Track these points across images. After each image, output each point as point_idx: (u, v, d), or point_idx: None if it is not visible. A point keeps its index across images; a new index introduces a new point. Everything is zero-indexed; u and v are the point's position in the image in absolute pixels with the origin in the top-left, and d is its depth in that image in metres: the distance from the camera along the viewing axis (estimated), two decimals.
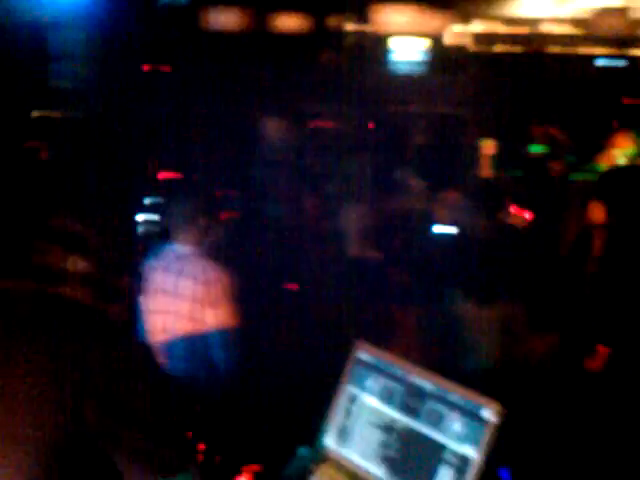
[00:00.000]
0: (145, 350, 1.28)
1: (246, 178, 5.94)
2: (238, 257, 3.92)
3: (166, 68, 11.36)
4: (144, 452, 1.12)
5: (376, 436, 1.73)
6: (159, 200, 5.62)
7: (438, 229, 4.61)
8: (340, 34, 13.07)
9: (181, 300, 3.19)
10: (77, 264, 1.25)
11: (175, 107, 8.92)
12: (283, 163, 6.36)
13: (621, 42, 13.06)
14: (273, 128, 7.78)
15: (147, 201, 5.78)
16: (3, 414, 1.06)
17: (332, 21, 13.06)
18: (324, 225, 4.78)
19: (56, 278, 1.22)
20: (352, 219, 4.64)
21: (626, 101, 8.33)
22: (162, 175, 6.55)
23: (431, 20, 12.10)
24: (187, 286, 3.19)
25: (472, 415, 1.59)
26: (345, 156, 5.74)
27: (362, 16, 12.78)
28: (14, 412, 1.06)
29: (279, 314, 3.65)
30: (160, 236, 3.80)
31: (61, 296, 1.21)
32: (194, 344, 3.17)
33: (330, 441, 1.80)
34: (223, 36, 11.78)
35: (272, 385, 2.92)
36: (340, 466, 1.75)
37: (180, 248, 3.30)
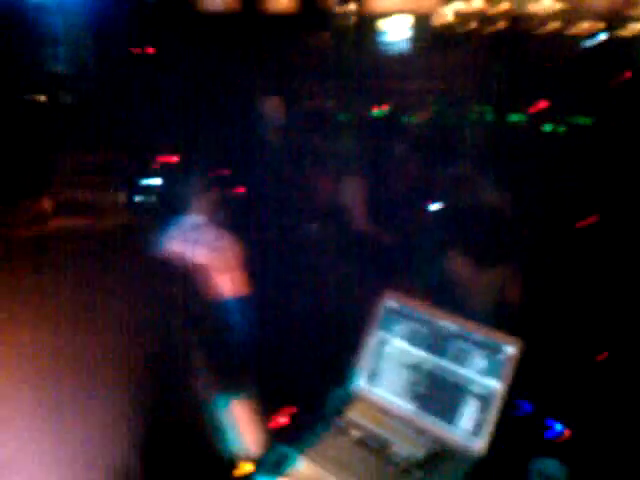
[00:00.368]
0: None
1: (245, 157, 6.06)
2: (248, 229, 4.07)
3: (153, 50, 11.37)
4: (214, 361, 1.32)
5: (405, 375, 1.89)
6: (156, 182, 5.73)
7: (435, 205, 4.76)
8: (331, 14, 13.14)
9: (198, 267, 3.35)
10: (110, 197, 1.40)
11: (167, 90, 8.99)
12: (280, 141, 6.49)
13: (609, 19, 13.18)
14: (270, 107, 7.88)
15: (144, 182, 5.89)
16: (111, 336, 1.24)
17: (323, 1, 13.10)
18: (329, 200, 4.92)
19: (97, 211, 1.38)
20: (352, 194, 4.78)
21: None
22: (161, 158, 6.66)
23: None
24: (202, 253, 3.35)
25: (494, 351, 1.75)
26: (341, 134, 5.86)
27: None
28: (119, 333, 1.23)
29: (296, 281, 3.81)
30: (175, 209, 3.95)
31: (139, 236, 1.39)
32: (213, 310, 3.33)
33: (362, 382, 1.96)
34: (214, 17, 11.81)
35: (303, 335, 3.08)
36: (372, 404, 1.91)
37: (195, 218, 3.46)
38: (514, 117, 7.09)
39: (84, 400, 1.22)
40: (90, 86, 9.56)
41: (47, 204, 1.34)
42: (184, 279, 1.36)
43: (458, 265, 3.43)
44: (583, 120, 6.54)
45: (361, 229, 4.52)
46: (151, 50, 11.39)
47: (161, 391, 1.27)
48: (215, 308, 1.38)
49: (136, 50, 10.87)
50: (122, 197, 1.41)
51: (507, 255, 3.47)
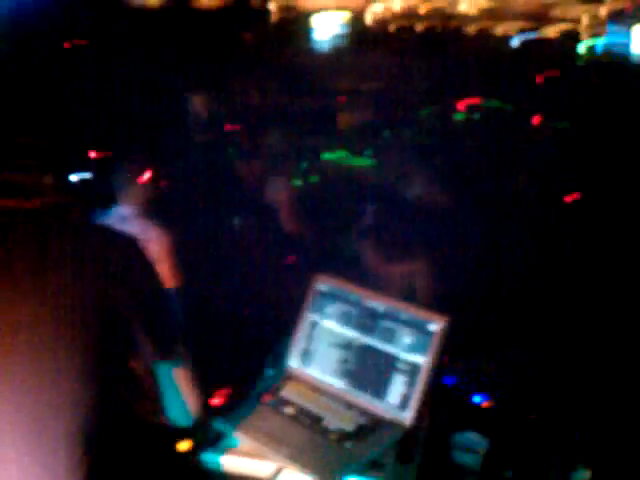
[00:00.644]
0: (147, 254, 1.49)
1: (173, 151, 6.04)
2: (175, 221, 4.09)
3: (84, 43, 11.16)
4: (155, 329, 1.37)
5: (336, 354, 1.96)
6: (87, 176, 5.67)
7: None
8: (263, 10, 13.17)
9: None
10: (45, 179, 1.43)
11: (98, 85, 8.87)
12: (207, 136, 6.50)
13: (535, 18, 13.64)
14: (199, 103, 7.87)
15: (75, 177, 5.81)
16: (57, 303, 1.28)
17: None
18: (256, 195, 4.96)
19: (29, 193, 1.41)
20: (279, 192, 4.81)
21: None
22: (93, 154, 6.60)
23: None
24: None
25: (420, 328, 1.84)
26: (269, 130, 5.90)
27: None
28: (65, 299, 1.28)
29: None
30: (105, 201, 3.94)
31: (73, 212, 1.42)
32: None
33: (294, 362, 2.02)
34: (146, 12, 11.68)
35: (235, 321, 3.13)
36: (305, 382, 1.98)
37: (123, 210, 3.47)
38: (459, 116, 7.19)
39: (33, 374, 1.26)
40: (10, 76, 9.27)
41: None
42: (123, 248, 1.40)
43: (369, 257, 3.54)
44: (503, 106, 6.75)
45: (287, 227, 4.57)
46: (81, 42, 11.17)
47: (107, 361, 1.31)
48: (153, 277, 1.43)
49: (65, 44, 10.65)
50: (50, 179, 1.43)
51: (417, 249, 3.57)
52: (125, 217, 3.41)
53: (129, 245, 1.41)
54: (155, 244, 3.32)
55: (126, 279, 1.34)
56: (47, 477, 1.27)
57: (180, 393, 1.45)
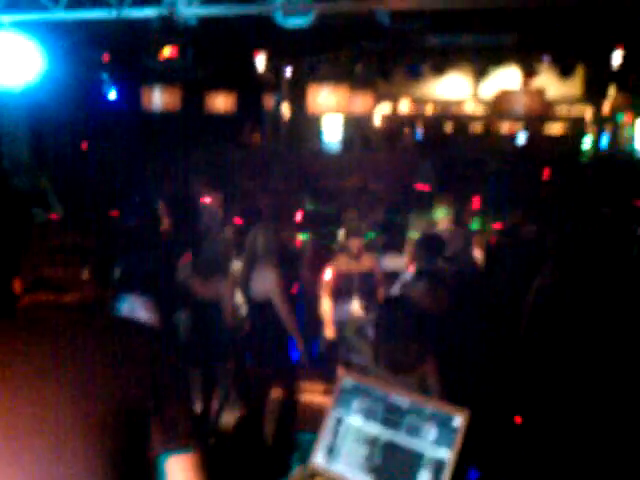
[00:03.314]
0: (172, 348, 1.57)
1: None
2: None
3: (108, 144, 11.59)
4: (171, 422, 1.43)
5: (361, 450, 2.01)
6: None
7: None
8: (271, 112, 13.66)
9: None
10: (81, 273, 1.54)
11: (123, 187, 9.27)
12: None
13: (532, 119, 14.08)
14: (209, 201, 8.14)
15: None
16: (81, 390, 1.37)
17: (264, 100, 13.62)
18: None
19: (68, 287, 1.52)
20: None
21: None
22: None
23: (358, 100, 12.80)
24: None
25: (444, 423, 1.91)
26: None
27: (293, 96, 13.40)
28: (87, 390, 1.38)
29: None
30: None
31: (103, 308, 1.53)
32: None
33: (320, 459, 2.07)
34: (159, 114, 12.13)
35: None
36: (331, 478, 2.02)
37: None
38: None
39: (50, 456, 1.33)
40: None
41: (17, 285, 1.51)
42: (147, 343, 1.49)
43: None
44: None
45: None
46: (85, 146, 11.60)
47: (121, 449, 1.37)
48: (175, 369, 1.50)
49: (82, 146, 11.06)
50: (88, 273, 1.54)
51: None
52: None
53: (153, 339, 1.50)
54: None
55: (149, 374, 1.42)
56: None
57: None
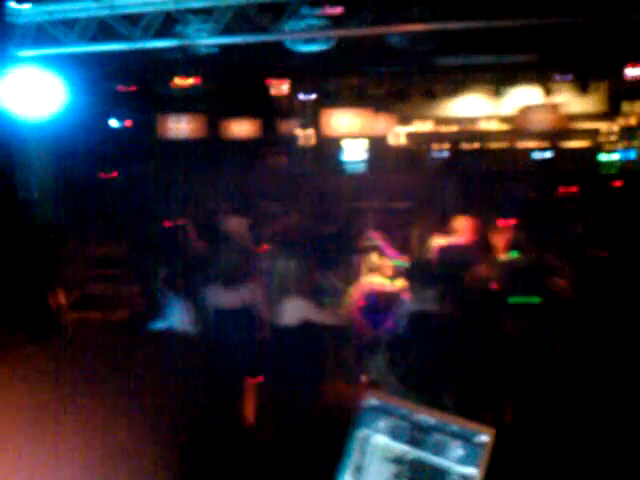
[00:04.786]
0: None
1: None
2: None
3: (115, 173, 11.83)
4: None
5: (388, 469, 2.02)
6: None
7: None
8: (291, 137, 13.80)
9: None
10: (123, 289, 1.59)
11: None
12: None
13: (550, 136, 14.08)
14: (235, 225, 8.21)
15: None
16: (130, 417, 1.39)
17: (283, 125, 13.77)
18: None
19: (115, 304, 1.56)
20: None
21: None
22: None
23: (379, 123, 12.90)
24: None
25: (469, 440, 1.91)
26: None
27: (311, 120, 13.53)
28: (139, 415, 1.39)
29: None
30: None
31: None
32: None
33: (348, 478, 2.08)
34: (180, 142, 12.33)
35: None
36: None
37: None
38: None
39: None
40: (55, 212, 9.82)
41: (62, 298, 1.55)
42: (189, 355, 1.52)
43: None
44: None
45: None
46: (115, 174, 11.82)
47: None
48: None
49: (104, 175, 11.28)
50: (137, 288, 1.57)
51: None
52: None
53: (194, 347, 1.54)
54: None
55: (193, 384, 1.45)
56: None
57: None
